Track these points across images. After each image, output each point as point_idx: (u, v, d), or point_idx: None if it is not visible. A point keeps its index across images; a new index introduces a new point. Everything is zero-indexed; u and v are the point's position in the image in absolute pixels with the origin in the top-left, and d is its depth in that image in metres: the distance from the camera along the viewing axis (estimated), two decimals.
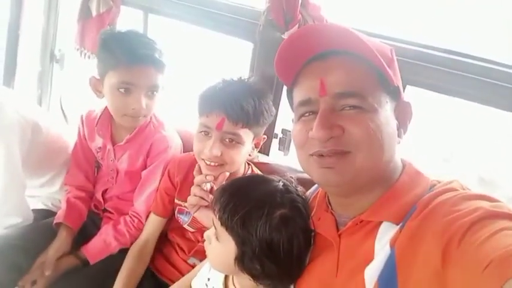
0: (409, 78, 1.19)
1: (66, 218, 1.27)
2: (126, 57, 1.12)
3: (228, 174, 1.03)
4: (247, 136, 1.03)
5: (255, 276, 0.77)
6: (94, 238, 1.26)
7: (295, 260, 0.76)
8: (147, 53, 1.15)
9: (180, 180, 1.19)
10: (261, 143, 1.14)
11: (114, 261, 1.19)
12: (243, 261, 0.76)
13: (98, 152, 1.37)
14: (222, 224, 0.76)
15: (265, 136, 1.14)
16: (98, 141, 1.36)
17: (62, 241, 1.23)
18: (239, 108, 0.97)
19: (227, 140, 1.01)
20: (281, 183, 0.79)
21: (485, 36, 1.23)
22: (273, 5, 1.23)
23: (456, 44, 1.16)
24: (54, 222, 1.28)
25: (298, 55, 0.70)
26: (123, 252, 1.22)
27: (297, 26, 1.22)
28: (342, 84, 0.65)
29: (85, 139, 1.39)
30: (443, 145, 1.67)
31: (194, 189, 1.03)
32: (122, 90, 1.15)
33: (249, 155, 1.12)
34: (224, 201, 0.76)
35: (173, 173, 1.20)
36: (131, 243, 1.23)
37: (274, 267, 0.74)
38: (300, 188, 0.83)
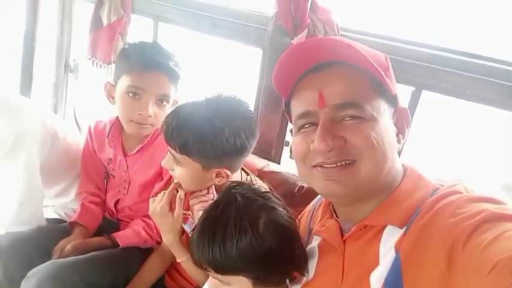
0: (424, 83, 1.14)
1: (80, 218, 1.29)
2: (139, 62, 1.13)
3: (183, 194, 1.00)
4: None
5: (279, 283, 0.78)
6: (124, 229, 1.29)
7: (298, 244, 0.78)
8: (161, 60, 1.15)
9: None
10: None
11: (140, 255, 1.22)
12: (264, 283, 0.76)
13: (108, 164, 1.37)
14: (222, 275, 0.76)
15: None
16: (109, 153, 1.36)
17: (75, 236, 1.24)
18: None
19: None
20: (239, 199, 0.75)
21: (507, 37, 1.16)
22: (281, 10, 1.20)
23: (474, 46, 1.10)
24: (68, 221, 1.29)
25: (295, 68, 0.71)
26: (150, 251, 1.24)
27: (306, 31, 1.19)
28: (340, 95, 0.65)
29: (94, 151, 1.39)
30: (467, 151, 1.59)
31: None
32: (131, 94, 1.16)
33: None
34: (204, 252, 0.73)
35: None
36: (157, 243, 1.24)
37: (288, 264, 0.76)
38: (257, 183, 0.82)
